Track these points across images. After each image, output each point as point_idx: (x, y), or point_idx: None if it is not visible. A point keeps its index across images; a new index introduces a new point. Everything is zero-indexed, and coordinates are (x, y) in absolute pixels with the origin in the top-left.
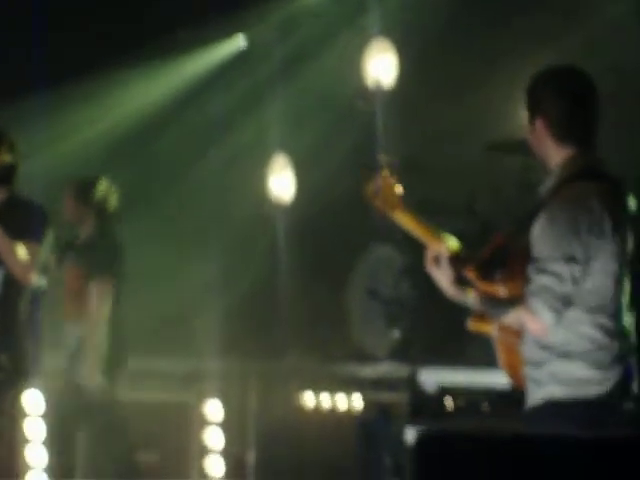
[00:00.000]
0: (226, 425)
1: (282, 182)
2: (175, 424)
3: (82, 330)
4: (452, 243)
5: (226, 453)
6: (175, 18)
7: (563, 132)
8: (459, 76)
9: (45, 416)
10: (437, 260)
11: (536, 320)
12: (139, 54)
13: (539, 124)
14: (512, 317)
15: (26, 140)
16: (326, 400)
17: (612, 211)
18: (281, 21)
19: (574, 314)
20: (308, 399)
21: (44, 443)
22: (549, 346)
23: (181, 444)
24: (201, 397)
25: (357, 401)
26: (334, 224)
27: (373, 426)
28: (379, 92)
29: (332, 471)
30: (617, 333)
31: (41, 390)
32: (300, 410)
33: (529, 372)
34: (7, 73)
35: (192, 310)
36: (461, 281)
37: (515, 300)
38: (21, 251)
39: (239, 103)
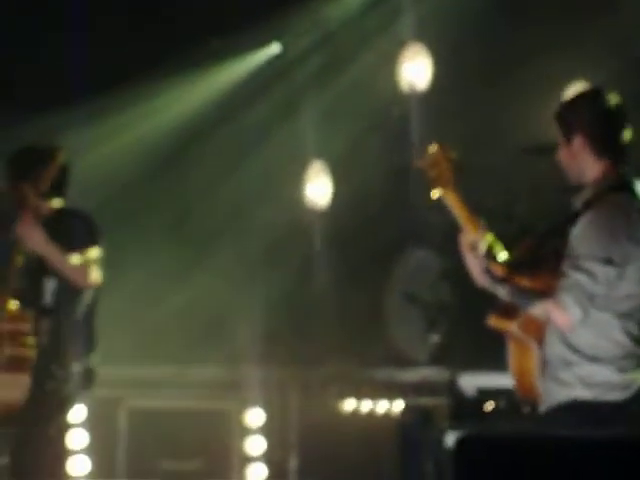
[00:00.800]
0: (267, 432)
1: (318, 189)
2: (217, 432)
3: None
4: (489, 238)
5: (268, 460)
6: (209, 27)
7: (602, 147)
8: (493, 79)
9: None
10: (473, 247)
11: (563, 314)
12: (174, 64)
13: (578, 140)
14: (540, 308)
15: (67, 147)
16: (366, 405)
17: None
18: (315, 28)
19: (605, 318)
20: (348, 405)
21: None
22: (579, 349)
23: (223, 452)
24: (242, 405)
25: (397, 406)
26: (371, 229)
27: (413, 430)
28: (413, 97)
29: (372, 476)
30: None
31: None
32: (340, 415)
33: (553, 371)
34: (51, 82)
35: (232, 318)
36: (491, 273)
37: (543, 294)
38: (74, 258)
39: (274, 111)
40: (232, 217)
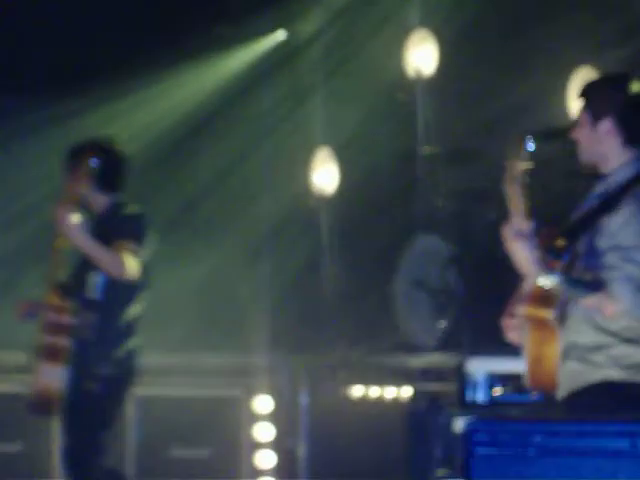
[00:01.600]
0: (276, 419)
1: (325, 175)
2: (225, 419)
3: None
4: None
5: (277, 447)
6: (214, 14)
7: (631, 134)
8: (501, 65)
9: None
10: (522, 235)
11: (615, 305)
12: (179, 51)
13: (607, 124)
14: (593, 300)
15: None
16: (374, 392)
17: None
18: (321, 14)
19: None
20: (357, 391)
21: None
22: (613, 331)
23: (232, 439)
24: (251, 392)
25: (405, 392)
26: (379, 215)
27: (423, 416)
28: (420, 83)
29: (382, 461)
30: None
31: None
32: (349, 402)
33: (583, 354)
34: (55, 69)
35: (240, 306)
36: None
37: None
38: (116, 251)
39: (281, 98)
40: (240, 204)
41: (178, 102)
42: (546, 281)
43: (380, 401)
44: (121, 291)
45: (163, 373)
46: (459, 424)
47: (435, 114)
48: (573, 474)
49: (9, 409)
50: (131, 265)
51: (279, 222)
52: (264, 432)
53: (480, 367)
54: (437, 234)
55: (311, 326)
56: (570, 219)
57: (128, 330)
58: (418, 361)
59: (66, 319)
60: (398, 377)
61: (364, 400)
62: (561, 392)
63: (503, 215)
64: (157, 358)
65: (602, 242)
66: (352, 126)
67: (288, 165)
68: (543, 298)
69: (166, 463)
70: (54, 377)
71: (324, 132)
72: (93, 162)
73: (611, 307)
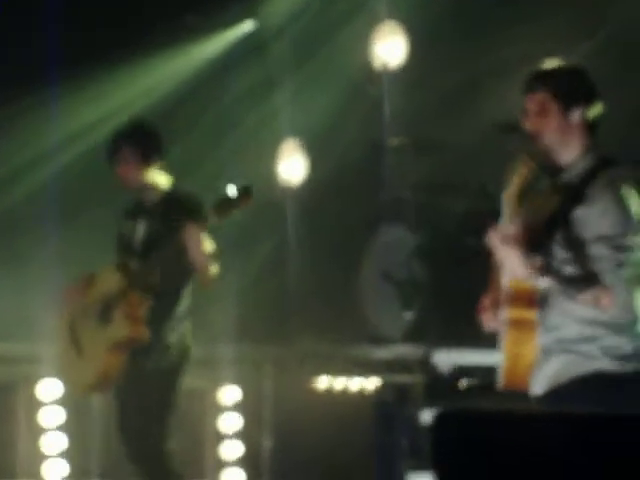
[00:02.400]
0: (242, 410)
1: (292, 166)
2: (192, 410)
3: None
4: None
5: (243, 437)
6: (183, 3)
7: (595, 124)
8: (467, 56)
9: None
10: (507, 239)
11: (611, 296)
12: (146, 40)
13: (579, 114)
14: (589, 294)
15: (43, 126)
16: (340, 383)
17: None
18: (290, 5)
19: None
20: (322, 382)
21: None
22: (602, 322)
23: (198, 430)
24: (217, 383)
25: (372, 383)
26: (346, 207)
27: (389, 408)
28: (388, 74)
29: (349, 453)
30: None
31: None
32: (315, 393)
33: (571, 347)
34: (18, 60)
35: (206, 297)
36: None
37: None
38: (206, 244)
39: (249, 88)
40: (207, 194)
41: (145, 91)
42: (542, 283)
43: (345, 392)
44: (177, 279)
45: None
46: (426, 416)
47: (402, 106)
48: None
49: None
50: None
51: (245, 213)
52: (230, 423)
53: (446, 359)
54: (403, 224)
55: (276, 317)
56: (532, 212)
57: (181, 313)
58: (384, 353)
59: (143, 311)
60: (363, 368)
61: (329, 391)
62: (539, 388)
63: (471, 207)
64: None
65: (583, 233)
66: (320, 117)
67: (255, 156)
68: (526, 299)
69: None
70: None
71: (292, 123)
72: None
73: (607, 299)
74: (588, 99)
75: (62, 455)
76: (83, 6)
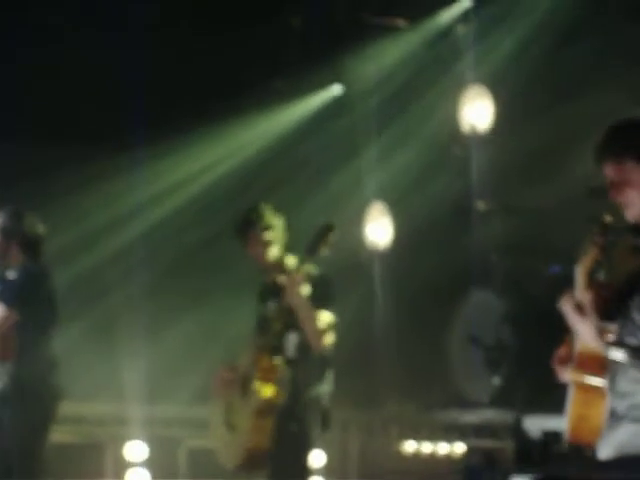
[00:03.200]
0: (328, 473)
1: (378, 229)
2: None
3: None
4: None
5: None
6: (271, 68)
7: None
8: (554, 122)
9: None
10: (580, 307)
11: None
12: (236, 104)
13: None
14: None
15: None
16: (428, 447)
17: None
18: (377, 69)
19: None
20: (409, 446)
21: None
22: None
23: None
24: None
25: (458, 448)
26: (432, 270)
27: (478, 473)
28: (475, 137)
29: None
30: None
31: None
32: (401, 457)
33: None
34: (108, 125)
35: None
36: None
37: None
38: (321, 318)
39: (336, 151)
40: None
41: (233, 153)
42: (615, 355)
43: (434, 456)
44: (307, 347)
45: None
46: None
47: (490, 169)
48: None
49: None
50: (329, 338)
51: (331, 274)
52: None
53: (536, 424)
54: (491, 289)
55: (363, 381)
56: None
57: (316, 379)
58: (471, 417)
59: (275, 377)
60: (450, 433)
61: (415, 455)
62: (607, 453)
63: (563, 271)
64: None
65: None
66: (406, 180)
67: (341, 218)
68: (596, 366)
69: None
70: (265, 433)
71: (378, 186)
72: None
73: None
74: None
75: None
76: (177, 73)
